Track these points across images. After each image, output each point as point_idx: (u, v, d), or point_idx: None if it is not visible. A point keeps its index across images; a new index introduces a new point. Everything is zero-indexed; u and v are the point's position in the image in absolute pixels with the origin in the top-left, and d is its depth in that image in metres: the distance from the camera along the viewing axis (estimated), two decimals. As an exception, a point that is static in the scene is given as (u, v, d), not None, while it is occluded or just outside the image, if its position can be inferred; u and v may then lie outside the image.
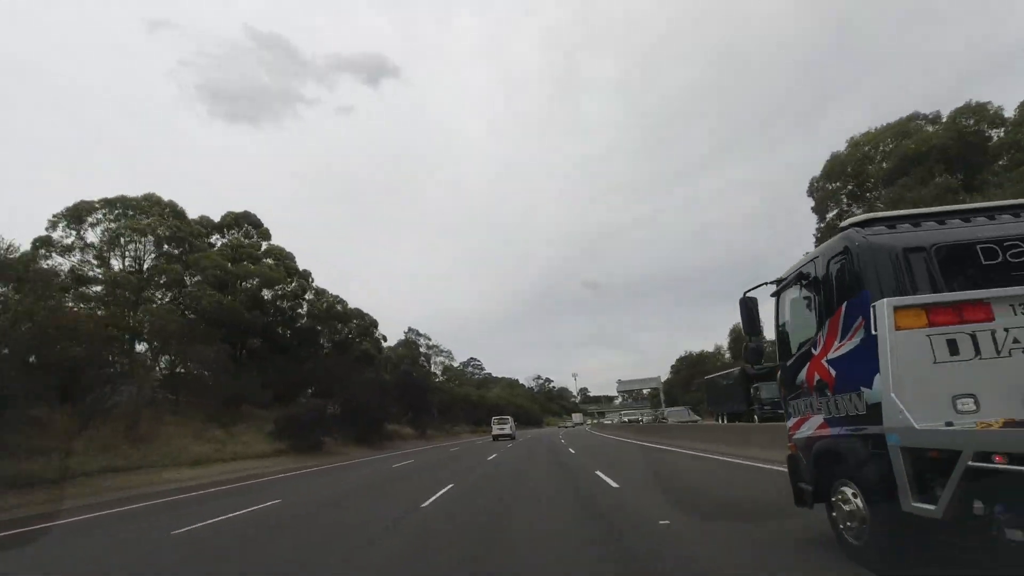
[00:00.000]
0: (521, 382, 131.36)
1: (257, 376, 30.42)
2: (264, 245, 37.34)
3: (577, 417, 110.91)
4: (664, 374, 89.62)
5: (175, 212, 31.22)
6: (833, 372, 4.30)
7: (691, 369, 76.76)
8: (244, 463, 21.17)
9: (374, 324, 46.80)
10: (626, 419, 67.39)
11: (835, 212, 33.07)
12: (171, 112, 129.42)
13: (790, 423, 5.29)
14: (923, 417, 3.28)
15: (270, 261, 35.99)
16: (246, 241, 35.88)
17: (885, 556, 3.77)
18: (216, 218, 36.50)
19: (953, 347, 3.44)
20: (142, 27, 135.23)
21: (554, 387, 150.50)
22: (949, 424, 3.19)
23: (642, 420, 58.68)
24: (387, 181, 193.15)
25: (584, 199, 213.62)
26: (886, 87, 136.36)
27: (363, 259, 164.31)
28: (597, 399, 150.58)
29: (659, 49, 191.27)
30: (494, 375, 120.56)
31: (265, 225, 37.89)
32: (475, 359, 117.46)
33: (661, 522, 6.26)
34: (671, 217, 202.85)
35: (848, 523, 4.14)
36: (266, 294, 35.09)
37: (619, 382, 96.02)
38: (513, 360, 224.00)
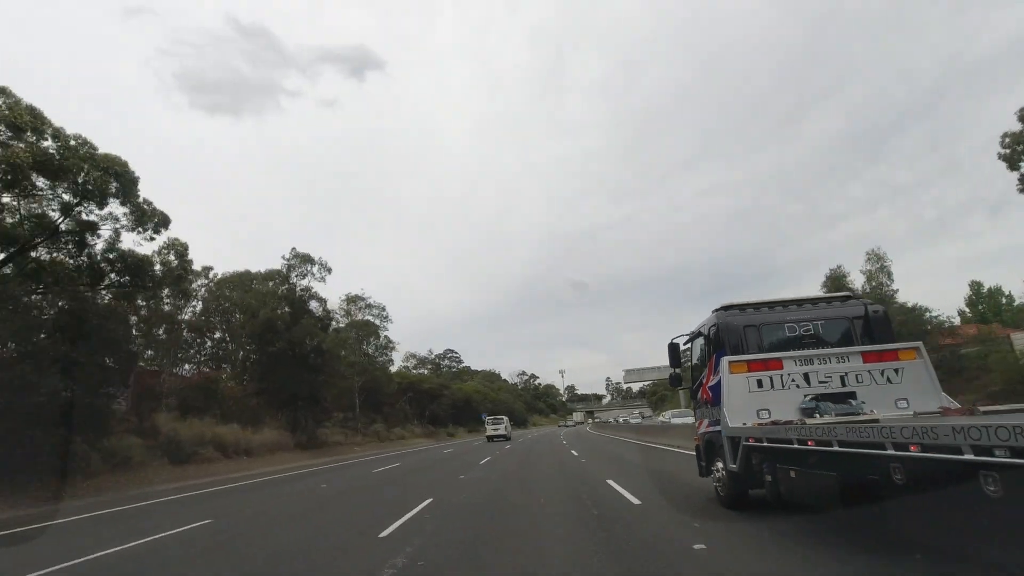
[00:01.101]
0: (504, 377, 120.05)
1: None
2: None
3: (578, 416, 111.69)
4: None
5: None
6: (711, 394, 7.35)
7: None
8: None
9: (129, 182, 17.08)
10: (628, 420, 57.99)
11: None
12: (149, 101, 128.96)
13: (695, 423, 8.37)
14: (736, 421, 6.34)
15: None
16: None
17: (736, 500, 6.83)
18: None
19: (759, 384, 6.51)
20: (117, 13, 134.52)
21: (540, 384, 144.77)
22: (744, 424, 6.25)
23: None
24: (369, 176, 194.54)
25: (567, 199, 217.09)
26: (863, 94, 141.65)
27: (343, 255, 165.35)
28: (585, 397, 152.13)
29: (642, 51, 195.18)
30: (473, 368, 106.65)
31: None
32: (451, 350, 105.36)
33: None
34: (654, 217, 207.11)
35: (719, 484, 7.22)
36: None
37: (626, 372, 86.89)
38: (497, 360, 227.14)
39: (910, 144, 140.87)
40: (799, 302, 7.33)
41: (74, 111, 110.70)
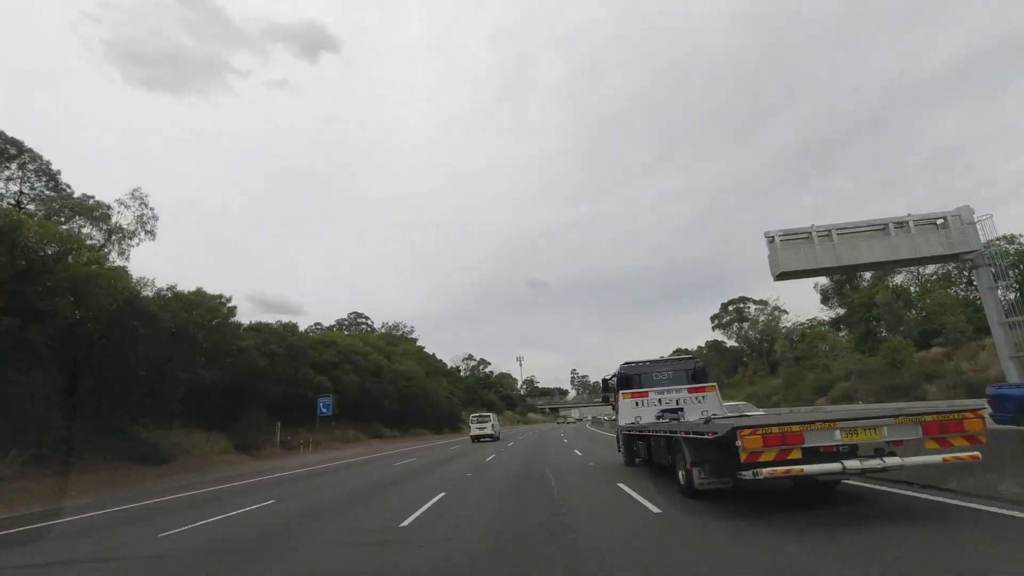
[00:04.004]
0: (441, 358, 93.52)
1: None
2: None
3: (576, 414, 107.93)
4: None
5: None
6: (619, 408, 14.77)
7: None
8: None
9: None
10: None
11: None
12: (73, 71, 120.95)
13: (616, 422, 15.85)
14: (623, 422, 13.85)
15: None
16: None
17: (629, 462, 14.28)
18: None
19: (636, 404, 14.04)
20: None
21: (491, 372, 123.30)
22: (625, 423, 13.71)
23: None
24: (323, 167, 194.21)
25: (526, 200, 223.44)
26: (814, 108, 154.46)
27: (294, 247, 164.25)
28: (547, 392, 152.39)
29: (605, 56, 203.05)
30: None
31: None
32: (359, 313, 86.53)
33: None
34: (613, 220, 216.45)
35: (622, 453, 14.72)
36: None
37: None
38: (454, 354, 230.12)
39: (856, 157, 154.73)
40: (665, 361, 14.85)
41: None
